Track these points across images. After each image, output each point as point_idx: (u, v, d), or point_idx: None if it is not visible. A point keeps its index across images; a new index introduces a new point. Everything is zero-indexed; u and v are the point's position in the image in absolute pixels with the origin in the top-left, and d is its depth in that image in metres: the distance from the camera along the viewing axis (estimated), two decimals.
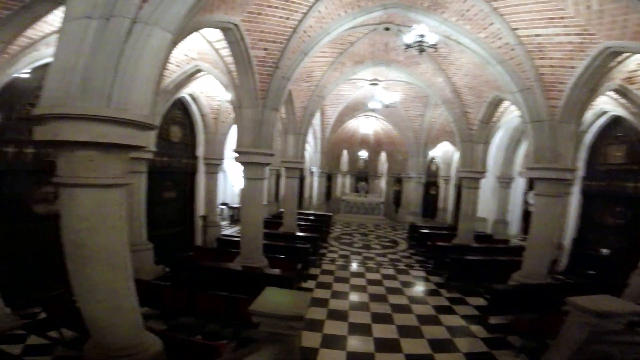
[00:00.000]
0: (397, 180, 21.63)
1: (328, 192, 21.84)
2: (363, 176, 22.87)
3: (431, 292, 8.00)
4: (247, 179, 7.02)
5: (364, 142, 21.44)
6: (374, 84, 12.19)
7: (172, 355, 3.41)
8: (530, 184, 12.77)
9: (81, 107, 2.52)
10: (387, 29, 7.85)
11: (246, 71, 6.32)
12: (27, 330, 5.05)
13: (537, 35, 5.81)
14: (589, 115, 8.54)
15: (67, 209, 2.76)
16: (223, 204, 16.12)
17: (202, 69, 7.46)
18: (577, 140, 8.22)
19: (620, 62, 6.00)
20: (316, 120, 15.47)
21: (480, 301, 7.19)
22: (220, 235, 10.58)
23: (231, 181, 16.98)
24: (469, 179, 10.71)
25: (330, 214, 17.09)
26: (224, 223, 14.76)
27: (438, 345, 5.42)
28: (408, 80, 11.20)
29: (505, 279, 7.04)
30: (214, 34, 6.14)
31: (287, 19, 5.96)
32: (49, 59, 5.31)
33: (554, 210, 6.79)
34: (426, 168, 18.27)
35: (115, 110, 2.64)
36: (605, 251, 9.02)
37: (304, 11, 5.92)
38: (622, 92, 6.95)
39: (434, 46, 6.40)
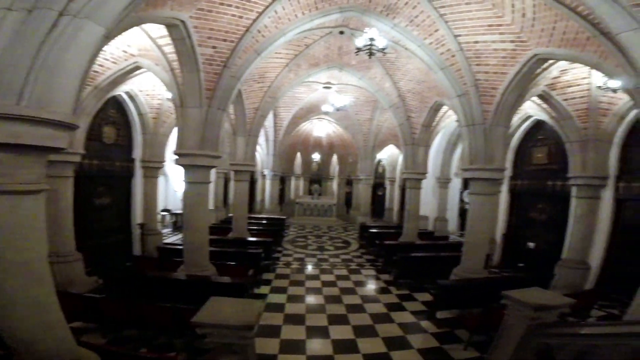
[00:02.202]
0: (348, 182, 22.13)
1: (282, 195, 21.53)
2: (316, 179, 22.98)
3: (382, 290, 8.18)
4: (190, 182, 6.52)
5: (317, 145, 21.53)
6: (327, 87, 12.26)
7: None
8: (465, 184, 13.63)
9: None
10: (341, 32, 7.87)
11: (191, 69, 5.91)
12: None
13: (476, 42, 6.04)
14: (515, 119, 9.22)
15: None
16: (165, 210, 15.05)
17: (142, 65, 6.84)
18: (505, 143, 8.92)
19: (545, 69, 6.58)
20: (269, 122, 15.14)
21: (427, 297, 7.48)
22: (161, 244, 9.78)
23: (174, 186, 15.90)
24: (412, 179, 11.26)
25: (284, 217, 16.81)
26: (166, 231, 13.78)
27: (392, 343, 5.53)
28: (358, 84, 11.38)
29: (448, 275, 7.35)
30: (158, 30, 5.66)
31: (241, 17, 5.69)
32: None
33: (488, 208, 7.21)
34: (374, 170, 18.85)
35: (30, 108, 2.37)
36: (531, 245, 9.95)
37: (260, 10, 5.70)
38: (544, 97, 7.74)
39: (382, 50, 6.42)
